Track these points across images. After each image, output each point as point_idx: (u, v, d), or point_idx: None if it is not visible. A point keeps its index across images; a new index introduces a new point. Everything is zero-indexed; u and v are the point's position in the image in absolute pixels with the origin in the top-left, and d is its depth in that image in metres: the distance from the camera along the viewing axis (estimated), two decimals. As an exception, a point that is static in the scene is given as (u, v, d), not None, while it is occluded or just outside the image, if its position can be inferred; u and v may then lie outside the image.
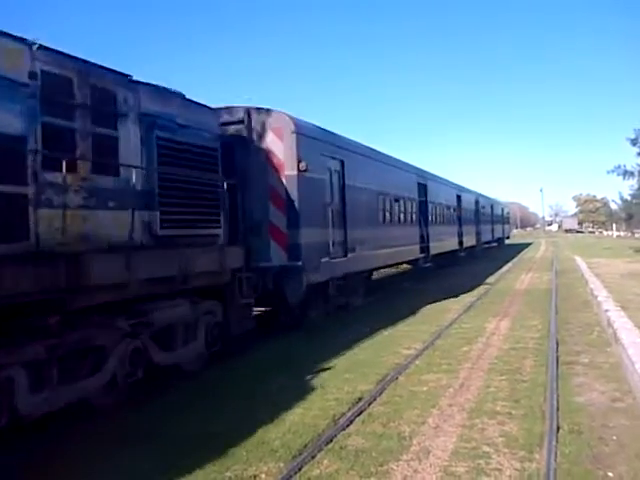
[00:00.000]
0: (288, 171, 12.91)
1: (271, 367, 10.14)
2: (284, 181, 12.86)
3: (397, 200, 21.12)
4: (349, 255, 15.58)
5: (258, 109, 13.19)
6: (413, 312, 16.03)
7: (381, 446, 6.43)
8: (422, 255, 24.57)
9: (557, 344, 11.23)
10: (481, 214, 43.89)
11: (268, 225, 12.76)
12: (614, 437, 6.54)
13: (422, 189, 25.61)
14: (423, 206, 25.55)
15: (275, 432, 6.92)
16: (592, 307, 15.97)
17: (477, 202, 43.09)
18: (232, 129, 12.74)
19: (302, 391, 8.59)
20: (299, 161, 12.93)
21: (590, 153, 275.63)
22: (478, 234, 42.05)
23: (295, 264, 12.68)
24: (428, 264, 26.48)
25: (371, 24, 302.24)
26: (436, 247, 27.19)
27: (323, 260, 13.94)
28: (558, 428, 6.74)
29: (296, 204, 12.84)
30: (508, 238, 71.96)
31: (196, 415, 7.64)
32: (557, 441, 6.35)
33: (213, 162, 10.13)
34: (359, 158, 17.23)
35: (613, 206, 71.29)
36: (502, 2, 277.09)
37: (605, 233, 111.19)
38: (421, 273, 27.49)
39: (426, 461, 6.02)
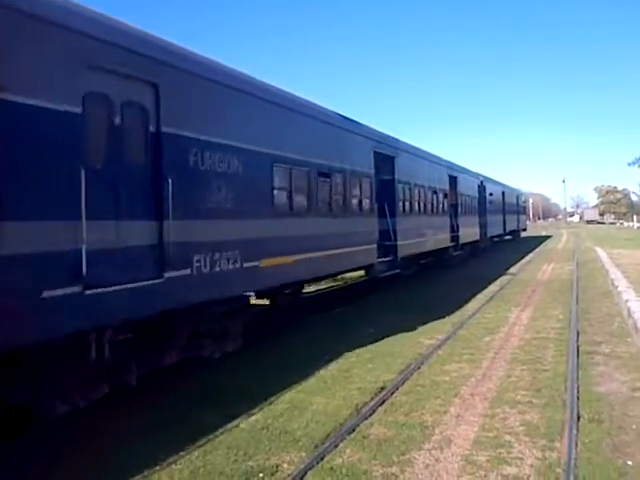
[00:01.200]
0: None
1: (298, 356, 10.26)
2: None
3: (326, 175, 13.05)
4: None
5: None
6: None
7: (403, 435, 6.55)
8: (384, 259, 16.81)
9: (578, 334, 11.26)
10: (488, 202, 36.00)
11: None
12: (634, 426, 6.60)
13: (385, 162, 17.43)
14: (386, 186, 17.74)
15: (298, 422, 7.05)
16: (613, 297, 15.91)
17: (482, 187, 34.93)
18: None
19: (325, 381, 8.72)
20: None
21: (612, 145, 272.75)
22: (483, 227, 34.23)
23: None
24: (391, 272, 17.26)
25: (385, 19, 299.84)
26: (408, 247, 18.85)
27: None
28: (579, 417, 6.81)
29: None
30: (524, 230, 64.21)
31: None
32: (578, 430, 6.44)
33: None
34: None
35: (634, 197, 70.18)
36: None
37: (626, 224, 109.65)
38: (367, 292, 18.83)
39: (448, 450, 6.12)
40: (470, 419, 7.00)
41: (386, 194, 17.52)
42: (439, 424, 6.86)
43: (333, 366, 9.56)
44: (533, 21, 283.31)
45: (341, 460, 5.94)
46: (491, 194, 36.16)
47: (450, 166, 27.49)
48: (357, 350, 10.62)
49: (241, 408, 7.56)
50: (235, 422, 7.10)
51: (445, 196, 25.35)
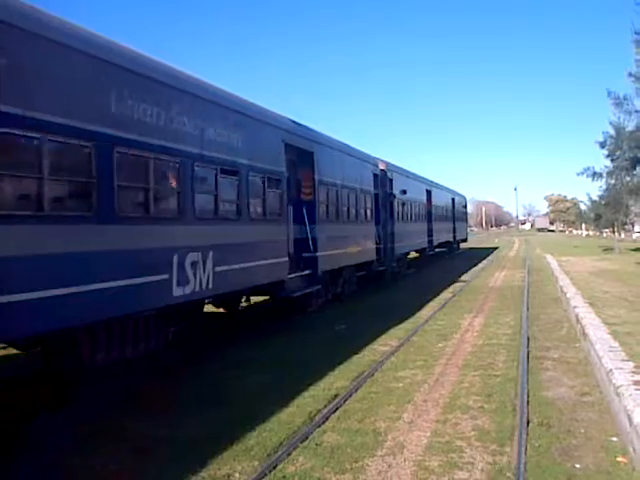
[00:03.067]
0: None
1: (250, 365, 10.18)
2: None
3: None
4: None
5: None
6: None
7: (356, 442, 6.52)
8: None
9: (528, 340, 11.47)
10: (399, 204, 25.62)
11: None
12: (582, 430, 6.73)
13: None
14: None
15: (251, 430, 6.95)
16: (562, 304, 16.30)
17: (386, 182, 23.54)
18: None
19: (279, 389, 8.64)
20: None
21: (562, 155, 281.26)
22: (388, 239, 23.48)
23: None
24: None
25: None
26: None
27: None
28: (528, 422, 6.92)
29: None
30: (464, 242, 53.13)
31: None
32: (527, 434, 6.53)
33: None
34: None
35: (582, 206, 72.18)
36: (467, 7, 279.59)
37: (575, 232, 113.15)
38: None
39: (400, 456, 6.12)
40: (423, 425, 7.03)
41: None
42: (392, 430, 6.87)
43: (286, 374, 9.48)
44: (481, 28, 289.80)
45: (294, 468, 5.88)
46: (404, 192, 26.19)
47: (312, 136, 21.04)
48: (310, 358, 10.57)
49: (191, 417, 7.43)
50: (182, 431, 6.95)
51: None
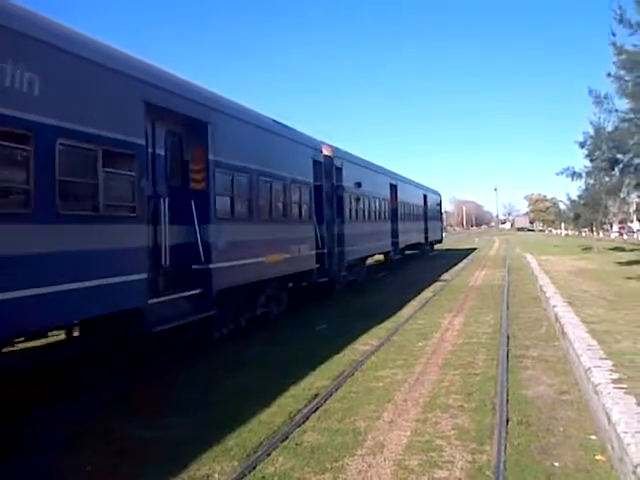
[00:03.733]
0: None
1: (234, 368, 10.12)
2: None
3: None
4: None
5: None
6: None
7: (336, 442, 6.50)
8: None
9: (508, 339, 11.54)
10: (351, 200, 21.66)
11: None
12: (560, 428, 6.77)
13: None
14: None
15: (230, 430, 6.90)
16: (541, 303, 16.43)
17: (332, 171, 19.59)
18: None
19: (260, 389, 8.60)
20: None
21: (542, 155, 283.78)
22: (336, 242, 19.50)
23: None
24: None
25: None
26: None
27: None
28: (508, 420, 6.94)
29: None
30: (439, 242, 48.51)
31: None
32: (507, 433, 6.55)
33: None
34: None
35: (562, 206, 72.94)
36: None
37: (554, 232, 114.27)
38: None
39: (380, 455, 6.11)
40: (403, 424, 7.03)
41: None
42: (372, 430, 6.86)
43: (267, 374, 9.44)
44: (463, 30, 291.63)
45: (273, 469, 5.84)
46: (359, 184, 22.25)
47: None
48: (291, 357, 10.54)
49: (170, 418, 7.37)
50: (164, 433, 6.90)
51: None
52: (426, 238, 40.96)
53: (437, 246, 48.15)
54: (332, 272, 18.86)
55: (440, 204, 51.14)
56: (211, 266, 10.72)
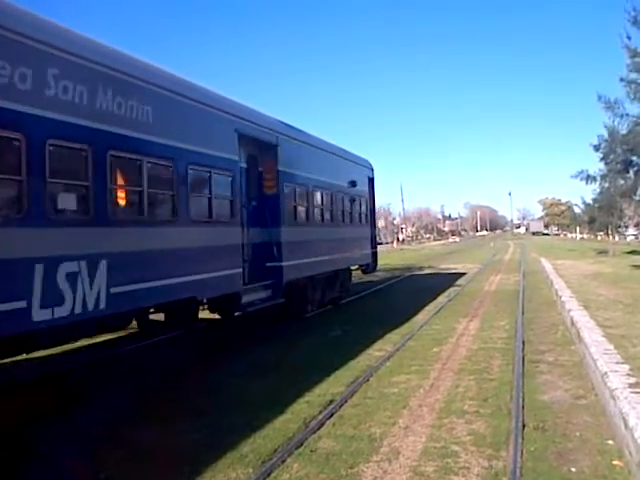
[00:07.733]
0: None
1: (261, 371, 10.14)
2: None
3: None
4: None
5: None
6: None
7: (351, 448, 6.48)
8: None
9: (523, 343, 11.46)
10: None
11: None
12: (577, 433, 6.71)
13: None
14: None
15: (245, 437, 6.91)
16: (557, 307, 16.31)
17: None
18: None
19: (275, 395, 8.60)
20: None
21: (556, 158, 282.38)
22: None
23: None
24: None
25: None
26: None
27: None
28: (524, 426, 6.89)
29: None
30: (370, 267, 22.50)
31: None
32: (523, 438, 6.50)
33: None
34: None
35: (576, 209, 72.39)
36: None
37: (569, 235, 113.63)
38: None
39: (396, 462, 6.08)
40: (418, 430, 7.00)
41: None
42: (387, 436, 6.83)
43: (282, 380, 9.44)
44: (478, 30, 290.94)
45: (288, 475, 5.83)
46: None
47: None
48: (306, 364, 10.54)
49: (185, 424, 7.39)
50: (178, 439, 6.91)
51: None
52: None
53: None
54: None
55: (372, 184, 22.66)
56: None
